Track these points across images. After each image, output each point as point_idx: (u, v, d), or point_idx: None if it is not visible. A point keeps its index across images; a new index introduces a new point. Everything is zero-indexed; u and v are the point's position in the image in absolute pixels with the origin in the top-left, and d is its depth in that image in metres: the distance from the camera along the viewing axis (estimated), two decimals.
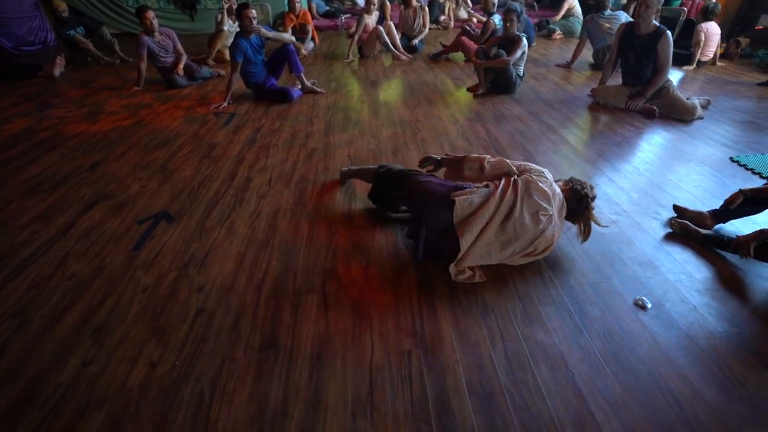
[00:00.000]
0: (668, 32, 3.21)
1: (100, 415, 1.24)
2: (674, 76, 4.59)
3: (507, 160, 1.85)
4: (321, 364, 1.37)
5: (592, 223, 1.81)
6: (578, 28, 6.47)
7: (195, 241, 1.99)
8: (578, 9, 6.76)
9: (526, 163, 1.84)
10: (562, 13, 6.85)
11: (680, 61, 4.95)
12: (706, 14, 4.77)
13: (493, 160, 1.86)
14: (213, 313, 1.58)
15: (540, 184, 1.71)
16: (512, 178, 1.75)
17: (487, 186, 1.76)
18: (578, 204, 1.78)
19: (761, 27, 5.51)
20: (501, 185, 1.73)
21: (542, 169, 1.80)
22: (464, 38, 5.31)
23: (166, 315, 1.58)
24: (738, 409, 1.23)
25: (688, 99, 3.41)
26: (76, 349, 1.45)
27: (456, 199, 1.69)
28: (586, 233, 1.82)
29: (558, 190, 1.77)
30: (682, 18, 5.93)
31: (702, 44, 4.77)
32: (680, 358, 1.40)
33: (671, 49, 3.24)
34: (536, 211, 1.68)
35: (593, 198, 1.80)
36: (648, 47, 3.26)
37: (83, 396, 1.29)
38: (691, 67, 4.85)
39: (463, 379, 1.32)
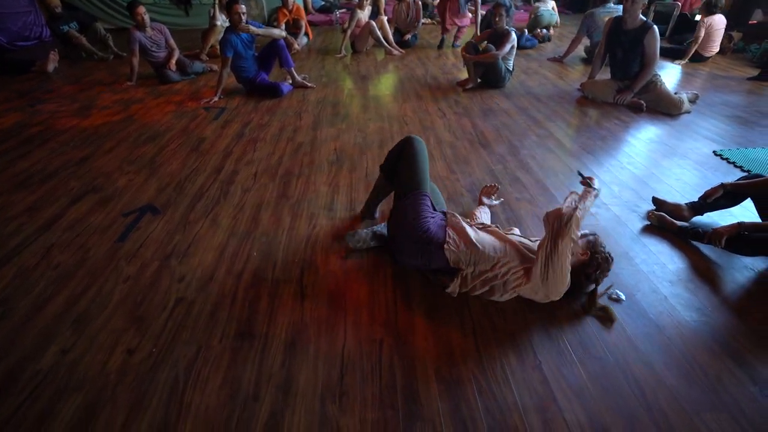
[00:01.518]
0: (654, 27, 3.22)
1: (77, 398, 1.27)
2: (666, 71, 4.60)
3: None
4: (294, 352, 1.41)
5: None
6: (547, 17, 6.27)
7: (178, 232, 2.02)
8: (542, 6, 6.32)
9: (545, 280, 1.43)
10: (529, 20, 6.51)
11: (673, 55, 4.94)
12: (709, 7, 4.59)
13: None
14: (192, 302, 1.61)
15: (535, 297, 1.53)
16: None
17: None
18: (576, 287, 1.52)
19: (755, 21, 5.50)
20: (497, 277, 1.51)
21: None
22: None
23: (147, 304, 1.61)
24: (698, 395, 1.27)
25: (675, 93, 3.43)
26: (56, 337, 1.48)
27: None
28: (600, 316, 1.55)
29: (563, 291, 1.48)
30: (676, 13, 5.93)
31: (700, 40, 4.71)
32: (647, 346, 1.43)
33: (658, 44, 3.25)
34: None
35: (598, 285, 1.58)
36: (635, 42, 3.27)
37: (61, 381, 1.33)
38: (682, 62, 4.82)
39: (431, 366, 1.36)
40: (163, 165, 2.69)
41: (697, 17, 5.05)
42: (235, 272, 1.76)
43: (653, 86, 3.41)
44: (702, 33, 4.67)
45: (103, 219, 2.15)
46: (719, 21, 4.69)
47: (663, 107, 3.38)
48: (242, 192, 2.35)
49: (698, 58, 4.87)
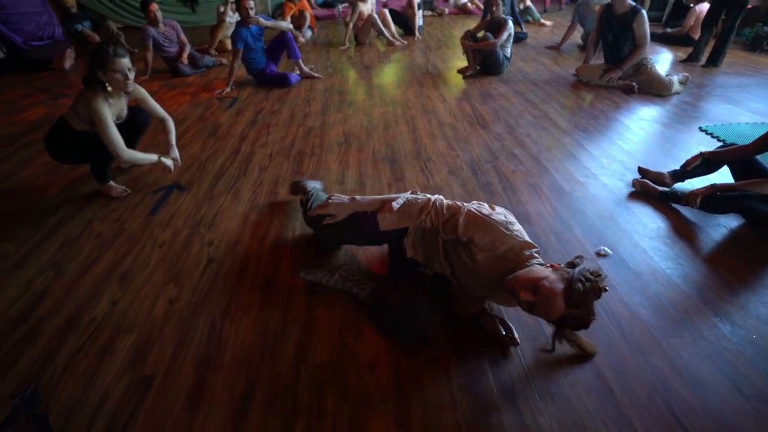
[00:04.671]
0: (643, 11, 3.38)
1: (130, 338, 1.48)
2: (660, 56, 4.75)
3: None
4: (315, 297, 1.61)
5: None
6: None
7: (204, 205, 2.23)
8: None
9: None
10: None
11: (682, 43, 5.08)
12: None
13: None
14: (222, 261, 1.82)
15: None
16: None
17: None
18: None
19: (750, 6, 5.61)
20: None
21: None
22: None
23: (182, 264, 1.82)
24: (666, 325, 1.46)
25: (666, 75, 3.59)
26: (106, 290, 1.69)
27: None
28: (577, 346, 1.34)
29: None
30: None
31: (688, 27, 4.93)
32: (625, 289, 1.62)
33: (647, 27, 3.41)
34: None
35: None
36: (625, 26, 3.44)
37: (115, 325, 1.53)
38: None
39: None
40: (184, 148, 2.89)
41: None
42: (258, 236, 1.96)
43: (644, 69, 3.58)
44: (692, 21, 4.87)
45: (134, 196, 2.36)
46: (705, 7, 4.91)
47: (654, 89, 3.55)
48: (260, 170, 2.55)
49: (690, 42, 5.02)
